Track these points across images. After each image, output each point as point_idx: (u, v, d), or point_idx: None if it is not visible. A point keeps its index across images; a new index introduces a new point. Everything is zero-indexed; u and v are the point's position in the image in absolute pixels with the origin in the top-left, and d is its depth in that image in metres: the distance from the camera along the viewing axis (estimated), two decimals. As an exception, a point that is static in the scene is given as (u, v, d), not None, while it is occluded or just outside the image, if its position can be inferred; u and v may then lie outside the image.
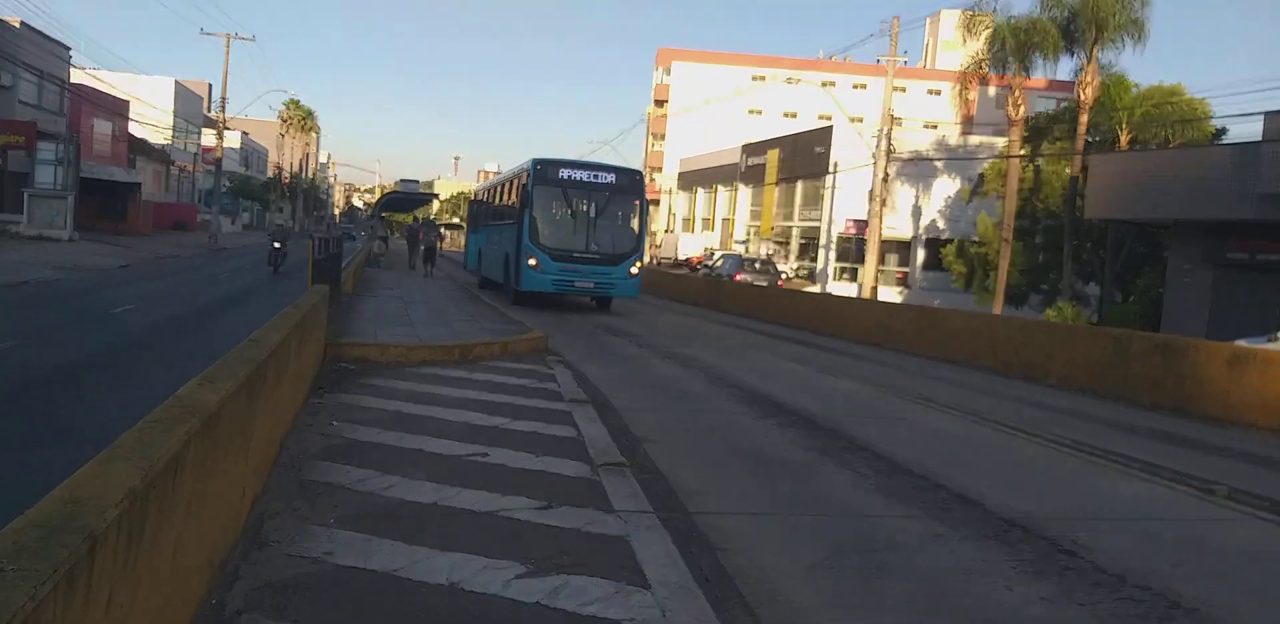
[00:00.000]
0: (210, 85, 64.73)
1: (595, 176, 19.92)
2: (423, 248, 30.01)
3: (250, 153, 75.91)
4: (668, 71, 73.22)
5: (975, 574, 4.86)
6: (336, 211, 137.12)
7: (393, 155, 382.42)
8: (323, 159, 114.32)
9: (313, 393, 8.20)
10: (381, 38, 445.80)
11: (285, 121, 79.96)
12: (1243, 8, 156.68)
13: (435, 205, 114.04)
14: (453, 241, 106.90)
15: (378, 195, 76.66)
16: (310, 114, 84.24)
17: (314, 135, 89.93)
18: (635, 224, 20.38)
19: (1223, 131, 30.98)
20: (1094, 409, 11.62)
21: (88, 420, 7.47)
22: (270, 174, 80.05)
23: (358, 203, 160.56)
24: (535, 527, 4.92)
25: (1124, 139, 31.48)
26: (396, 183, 67.01)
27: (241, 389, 4.37)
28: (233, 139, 61.53)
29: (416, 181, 47.38)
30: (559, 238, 19.42)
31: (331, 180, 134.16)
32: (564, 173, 19.67)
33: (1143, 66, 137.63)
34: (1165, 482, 7.39)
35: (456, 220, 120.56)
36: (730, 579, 4.47)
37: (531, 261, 18.95)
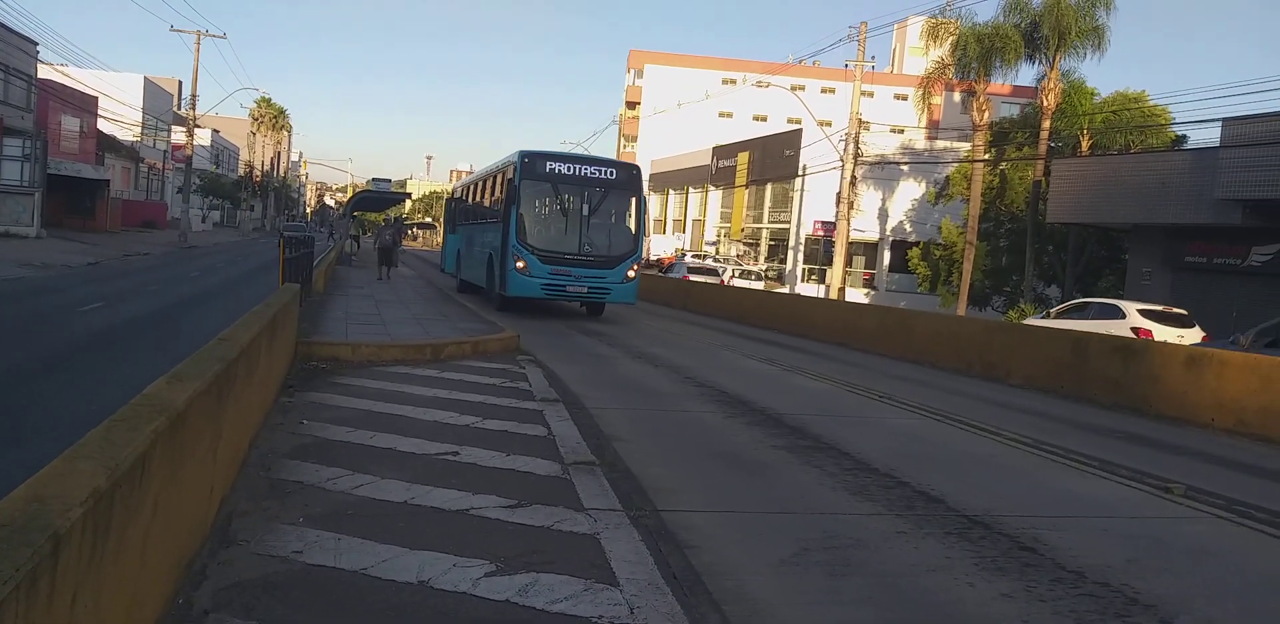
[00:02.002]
0: (180, 82, 64.10)
1: (589, 171, 18.18)
2: (377, 248, 27.45)
3: (221, 151, 75.18)
4: (639, 74, 73.39)
5: (938, 571, 4.96)
6: (308, 210, 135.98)
7: (365, 154, 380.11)
8: (294, 158, 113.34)
9: (283, 391, 8.18)
10: (355, 37, 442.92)
11: (257, 120, 79.31)
12: (1202, 18, 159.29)
13: (407, 205, 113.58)
14: (426, 241, 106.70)
15: (350, 194, 76.08)
16: (282, 112, 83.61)
17: (286, 134, 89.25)
18: (632, 223, 18.67)
19: (1182, 138, 31.55)
20: (1055, 408, 11.81)
21: (53, 419, 7.41)
22: (241, 172, 79.27)
23: (329, 202, 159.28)
24: (505, 525, 4.96)
25: (1085, 144, 32.01)
26: (368, 182, 66.59)
27: (210, 388, 4.37)
28: (203, 137, 60.93)
29: (389, 181, 47.14)
30: (549, 238, 17.85)
31: (303, 179, 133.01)
32: (554, 166, 17.96)
33: (1104, 73, 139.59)
34: (1123, 480, 7.55)
35: (428, 220, 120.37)
36: (698, 576, 4.54)
37: (519, 264, 17.27)
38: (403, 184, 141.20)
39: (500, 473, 6.05)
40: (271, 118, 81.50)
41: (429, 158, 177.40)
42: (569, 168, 18.07)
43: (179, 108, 59.94)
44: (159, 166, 61.03)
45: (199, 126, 48.77)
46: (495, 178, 20.50)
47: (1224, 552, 5.83)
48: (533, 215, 18.14)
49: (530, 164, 17.78)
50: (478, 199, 22.97)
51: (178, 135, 54.91)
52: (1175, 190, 21.50)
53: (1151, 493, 7.18)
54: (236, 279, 24.66)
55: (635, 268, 18.39)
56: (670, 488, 6.19)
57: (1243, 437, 10.36)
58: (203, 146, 62.39)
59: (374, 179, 47.14)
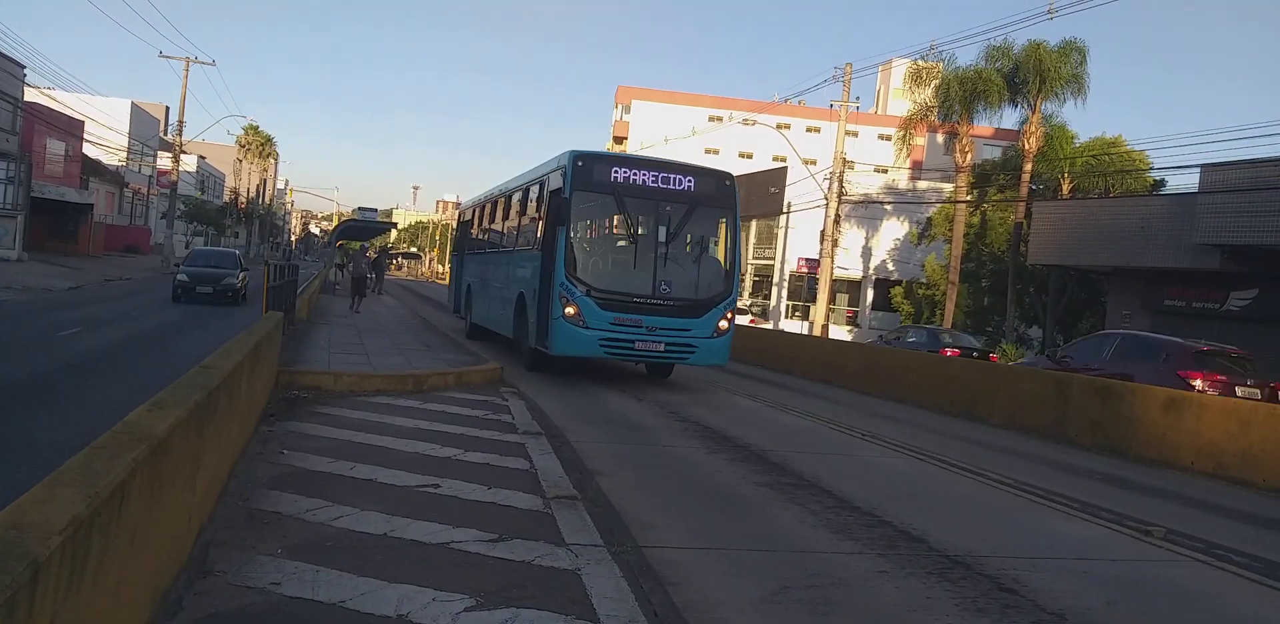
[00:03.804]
0: (168, 108, 64.10)
1: (666, 180, 13.33)
2: (351, 277, 25.55)
3: (206, 177, 75.13)
4: (627, 109, 74.06)
5: (919, 611, 4.94)
6: (293, 238, 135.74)
7: (351, 183, 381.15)
8: (280, 185, 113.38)
9: (264, 420, 8.12)
10: (344, 68, 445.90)
11: (243, 147, 79.29)
12: (1182, 65, 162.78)
13: (393, 234, 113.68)
14: (410, 271, 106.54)
15: (335, 223, 76.10)
16: (269, 140, 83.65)
17: (272, 161, 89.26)
18: (725, 253, 13.82)
19: (1161, 182, 32.08)
20: (1036, 449, 11.85)
21: (30, 445, 7.31)
22: (226, 199, 79.17)
23: (315, 230, 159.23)
24: (486, 559, 4.92)
25: (1066, 187, 32.46)
26: (354, 211, 66.65)
27: (191, 416, 4.35)
28: (189, 163, 60.85)
29: (375, 210, 47.25)
30: (610, 274, 13.22)
31: (289, 207, 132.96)
32: (619, 173, 13.12)
33: (1084, 118, 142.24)
34: (1104, 522, 7.56)
35: (413, 249, 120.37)
36: (679, 613, 4.50)
37: (568, 310, 12.55)
38: (388, 213, 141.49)
39: (481, 506, 6.01)
40: (259, 145, 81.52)
41: (415, 188, 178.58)
42: (639, 175, 13.21)
43: (165, 133, 59.91)
44: (144, 192, 60.86)
45: (185, 152, 48.77)
46: (530, 191, 15.52)
47: (1203, 595, 5.83)
48: (588, 242, 13.86)
49: (586, 169, 13.03)
50: (502, 220, 18.13)
51: (163, 161, 54.90)
52: (1154, 234, 21.81)
53: (1132, 535, 7.19)
54: (219, 306, 24.49)
55: (729, 316, 13.40)
56: (652, 523, 6.16)
57: (1221, 480, 10.42)
58: (188, 172, 62.32)
59: (359, 208, 47.26)
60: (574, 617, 4.22)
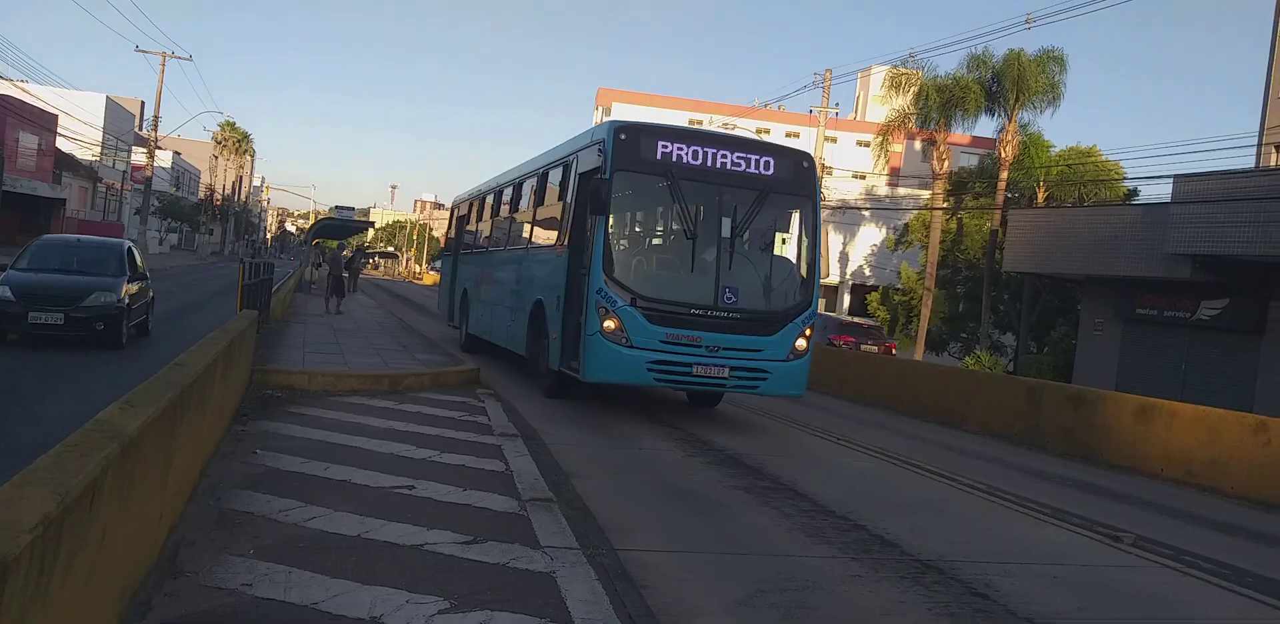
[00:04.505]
0: (144, 103, 63.57)
1: (732, 160, 10.55)
2: (329, 277, 23.77)
3: (182, 173, 74.45)
4: (608, 112, 74.03)
5: (892, 615, 4.97)
6: (269, 236, 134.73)
7: (329, 181, 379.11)
8: (257, 183, 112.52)
9: (237, 420, 8.05)
10: (323, 65, 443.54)
11: (220, 143, 78.72)
12: (1156, 77, 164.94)
13: (370, 233, 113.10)
14: (387, 271, 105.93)
15: (312, 221, 75.60)
16: (246, 137, 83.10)
17: (249, 158, 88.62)
18: (803, 253, 11.04)
19: (1134, 192, 32.46)
20: (1009, 455, 11.94)
21: (-4, 443, 7.19)
22: (202, 196, 78.49)
23: (291, 228, 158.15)
24: (460, 561, 4.90)
25: (1041, 196, 32.80)
26: (331, 209, 66.28)
27: (163, 415, 4.31)
28: (164, 159, 60.33)
29: (352, 209, 47.11)
30: (663, 278, 10.74)
31: (265, 204, 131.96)
32: (672, 150, 10.36)
33: (1061, 127, 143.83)
34: (1075, 528, 7.63)
35: (390, 249, 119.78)
36: (654, 617, 4.50)
37: (607, 324, 9.92)
38: (366, 212, 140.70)
39: (456, 508, 5.98)
40: (235, 142, 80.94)
41: (393, 187, 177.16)
42: (698, 153, 10.41)
43: (141, 128, 59.34)
44: (117, 187, 60.27)
45: (160, 148, 48.33)
46: (551, 175, 12.89)
47: (1172, 601, 5.90)
48: (633, 237, 11.76)
49: (630, 144, 10.33)
50: (510, 212, 15.23)
51: (138, 156, 54.37)
52: (1127, 243, 22.05)
53: (1102, 541, 7.26)
54: (192, 304, 24.27)
55: (808, 333, 10.65)
56: (628, 526, 6.16)
57: (1190, 487, 10.54)
58: (163, 168, 61.78)
59: (337, 207, 47.20)
60: (548, 620, 4.21)
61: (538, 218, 13.35)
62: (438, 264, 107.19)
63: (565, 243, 11.18)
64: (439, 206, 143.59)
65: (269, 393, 9.67)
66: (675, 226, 10.77)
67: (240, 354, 8.79)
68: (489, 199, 17.25)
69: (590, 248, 10.25)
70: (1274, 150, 28.67)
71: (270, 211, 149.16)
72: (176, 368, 5.56)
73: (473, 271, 17.45)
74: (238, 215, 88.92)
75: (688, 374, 10.10)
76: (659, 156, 10.30)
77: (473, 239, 18.41)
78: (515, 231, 14.76)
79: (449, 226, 22.39)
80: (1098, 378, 22.95)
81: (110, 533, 3.38)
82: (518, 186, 14.93)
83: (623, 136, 10.35)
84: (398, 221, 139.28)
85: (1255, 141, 28.50)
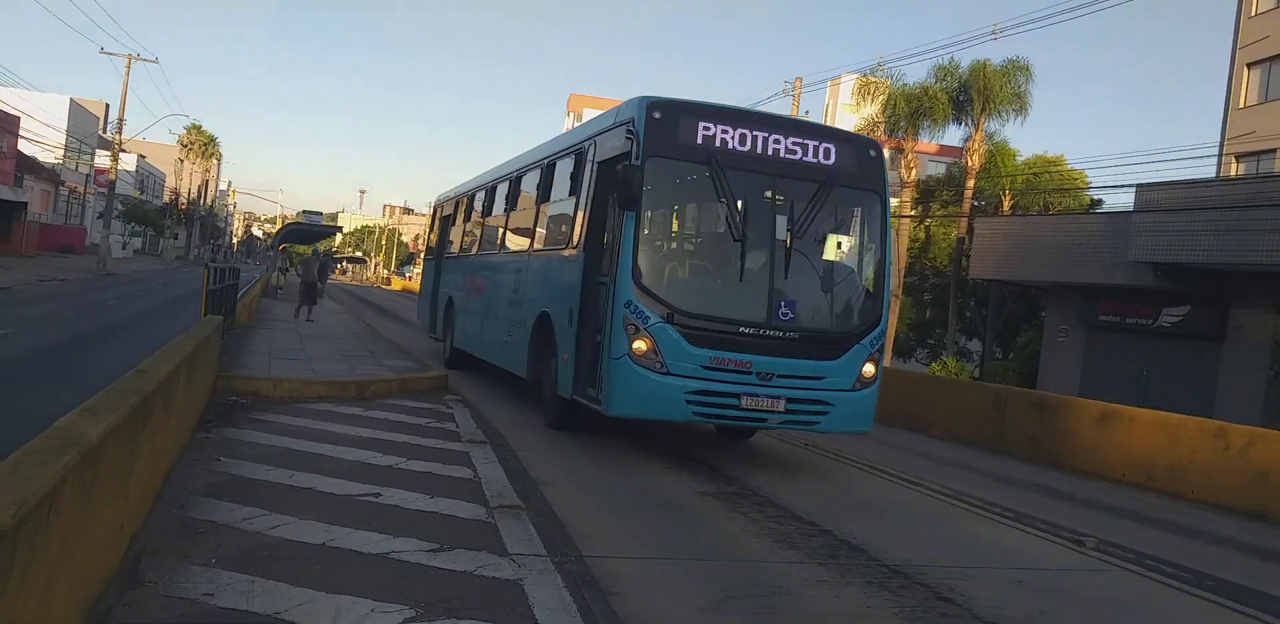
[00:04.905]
0: (108, 106, 62.80)
1: (787, 147, 8.85)
2: (301, 283, 23.08)
3: (147, 177, 73.58)
4: (579, 117, 74.14)
5: (858, 619, 5.00)
6: (235, 240, 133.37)
7: (297, 186, 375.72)
8: (223, 186, 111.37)
9: (200, 427, 7.95)
10: (291, 70, 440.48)
11: (185, 147, 77.79)
12: (1122, 89, 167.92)
13: (338, 238, 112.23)
14: (355, 276, 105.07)
15: (279, 225, 74.92)
16: (212, 140, 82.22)
17: (215, 162, 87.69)
18: (871, 259, 9.33)
19: (1098, 202, 32.94)
20: (975, 461, 12.06)
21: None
22: (167, 199, 77.55)
23: (257, 232, 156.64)
24: (427, 569, 4.86)
25: (1007, 204, 33.20)
26: (299, 214, 65.71)
27: (125, 422, 4.25)
28: (128, 162, 59.51)
29: (320, 213, 46.64)
30: (706, 290, 9.00)
31: (231, 208, 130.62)
32: (717, 133, 8.64)
33: (1027, 137, 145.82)
34: (1039, 532, 7.72)
35: (359, 254, 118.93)
36: (621, 623, 4.50)
37: (638, 345, 8.24)
38: (334, 217, 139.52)
39: (423, 516, 5.94)
40: (201, 145, 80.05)
41: (362, 191, 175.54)
42: (747, 138, 8.70)
43: (105, 131, 58.57)
44: (80, 191, 59.42)
45: (125, 151, 47.69)
46: (560, 166, 11.08)
47: (1134, 604, 5.98)
48: (666, 239, 9.60)
49: (666, 125, 8.58)
50: (507, 210, 13.44)
51: (102, 159, 53.62)
52: (1090, 251, 22.37)
53: (1065, 545, 7.35)
54: (156, 309, 23.97)
55: (876, 356, 9.00)
56: (596, 534, 6.15)
57: (1152, 492, 10.69)
58: (127, 172, 60.95)
59: (304, 211, 46.63)
60: (515, 627, 4.19)
61: (542, 216, 11.49)
62: (406, 270, 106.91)
63: (580, 245, 9.42)
64: (408, 211, 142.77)
65: (234, 399, 9.56)
66: (719, 226, 9.02)
67: (204, 360, 8.68)
68: (479, 197, 15.40)
69: (615, 251, 8.46)
70: (1234, 160, 29.25)
71: (237, 216, 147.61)
72: (139, 374, 5.48)
73: (460, 278, 15.60)
74: (203, 219, 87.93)
75: (734, 407, 8.29)
76: (699, 140, 8.55)
77: (460, 241, 16.57)
78: (513, 233, 13.01)
79: (430, 228, 20.66)
80: (1062, 384, 23.25)
81: (69, 543, 3.32)
82: (515, 181, 13.17)
83: (657, 115, 8.51)
84: (366, 226, 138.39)
85: (1216, 152, 29.07)
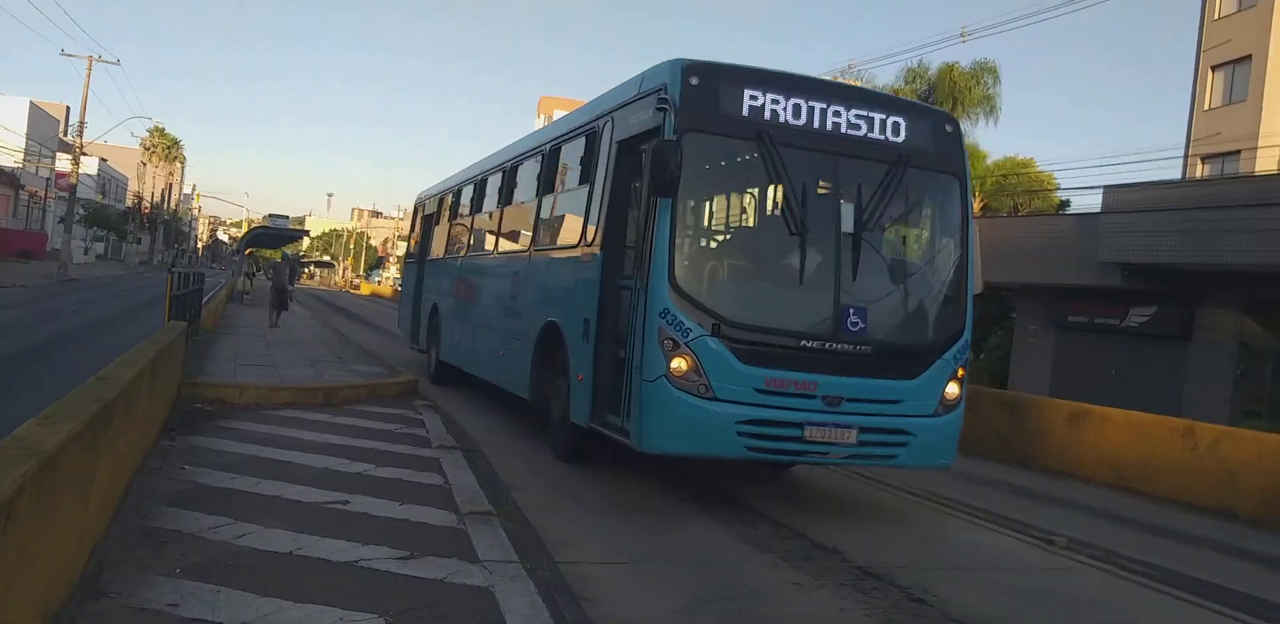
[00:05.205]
0: (69, 108, 61.78)
1: (850, 120, 7.39)
2: (272, 288, 22.58)
3: (109, 180, 72.63)
4: (549, 119, 74.03)
5: (831, 622, 4.99)
6: (200, 245, 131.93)
7: (263, 189, 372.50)
8: (187, 190, 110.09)
9: (164, 435, 7.81)
10: (258, 74, 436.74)
11: (148, 149, 76.84)
12: (1092, 92, 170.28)
13: (305, 242, 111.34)
14: (323, 280, 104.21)
15: (245, 229, 74.17)
16: (176, 143, 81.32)
17: (179, 165, 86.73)
18: (952, 257, 7.86)
19: (1066, 203, 33.35)
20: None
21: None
22: (130, 203, 76.56)
23: (223, 237, 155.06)
24: (396, 577, 4.79)
25: (977, 206, 33.51)
26: (265, 217, 65.12)
27: (85, 430, 4.16)
28: (90, 165, 58.68)
29: (286, 217, 46.24)
30: (758, 295, 7.42)
31: (196, 212, 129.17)
32: (766, 103, 7.18)
33: (998, 139, 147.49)
34: (1010, 532, 7.75)
35: (326, 258, 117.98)
36: (593, 630, 4.45)
37: (677, 364, 6.74)
38: (301, 221, 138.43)
39: (392, 523, 5.86)
40: (164, 148, 79.11)
41: (329, 195, 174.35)
42: (802, 110, 7.28)
43: (65, 134, 57.69)
44: (41, 195, 58.49)
45: (86, 155, 46.98)
46: (568, 149, 9.66)
47: (1105, 602, 6.02)
48: (708, 233, 8.37)
49: (705, 92, 7.14)
50: (501, 204, 11.89)
51: (63, 163, 52.79)
52: (1059, 252, 22.61)
53: (1037, 545, 7.39)
54: (119, 315, 23.61)
55: (960, 373, 7.53)
56: (569, 539, 6.10)
57: (1121, 490, 10.79)
58: (89, 175, 60.12)
59: (271, 215, 46.20)
60: (487, 635, 4.14)
61: (546, 211, 10.08)
62: (375, 274, 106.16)
63: (596, 243, 7.99)
64: (377, 215, 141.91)
65: (198, 407, 9.41)
66: (772, 217, 7.66)
67: (168, 367, 8.54)
68: (468, 192, 13.84)
69: (644, 249, 6.98)
70: (1200, 162, 29.69)
71: (202, 220, 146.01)
72: (99, 381, 5.38)
73: (446, 283, 14.07)
74: (167, 224, 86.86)
75: (796, 440, 6.82)
76: (745, 112, 7.09)
77: (446, 242, 14.91)
78: (510, 231, 11.52)
79: (412, 227, 18.63)
80: (1033, 384, 23.48)
81: (28, 552, 3.24)
82: (510, 172, 11.60)
83: (694, 80, 7.03)
84: (334, 230, 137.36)
85: (1182, 153, 29.52)
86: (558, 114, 72.68)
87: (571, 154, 9.46)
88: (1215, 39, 30.29)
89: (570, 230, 9.04)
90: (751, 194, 8.53)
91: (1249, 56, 28.82)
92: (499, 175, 12.15)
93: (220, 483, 6.41)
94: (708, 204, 8.40)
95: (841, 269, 7.11)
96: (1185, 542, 8.41)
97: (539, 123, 76.08)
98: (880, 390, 7.10)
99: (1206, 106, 30.48)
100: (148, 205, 77.90)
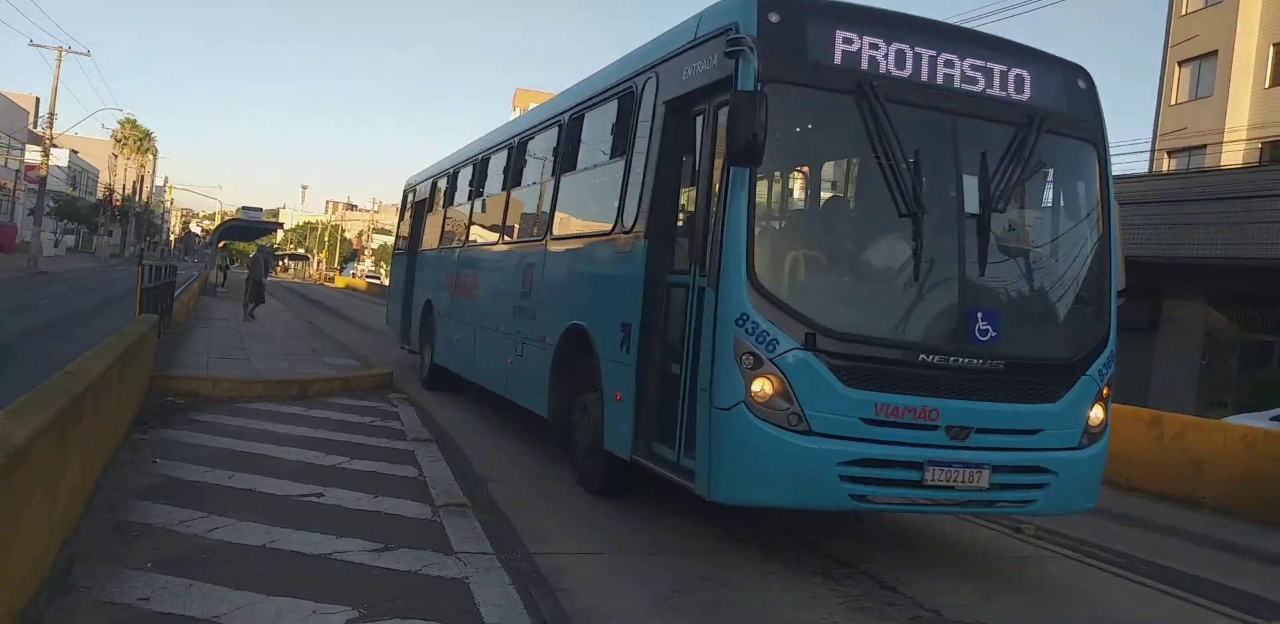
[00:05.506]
0: (38, 99, 60.85)
1: (965, 71, 5.86)
2: (249, 281, 22.40)
3: (79, 172, 71.72)
4: (525, 112, 73.77)
5: (805, 609, 5.05)
6: (172, 237, 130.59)
7: (237, 182, 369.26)
8: (160, 182, 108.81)
9: (135, 428, 7.75)
10: (231, 66, 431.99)
11: (120, 141, 75.85)
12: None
13: (279, 235, 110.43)
14: (297, 273, 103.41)
15: (218, 222, 73.47)
16: (148, 135, 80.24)
17: (151, 157, 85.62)
18: (1091, 242, 6.34)
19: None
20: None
21: None
22: (100, 196, 75.63)
23: (196, 229, 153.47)
24: (370, 570, 4.79)
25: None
26: (238, 210, 64.57)
27: (54, 424, 4.13)
28: (60, 157, 57.91)
29: (260, 209, 45.88)
30: (863, 294, 5.86)
31: (168, 205, 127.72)
32: (863, 47, 5.63)
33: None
34: (979, 521, 7.84)
35: (301, 250, 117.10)
36: (568, 620, 4.48)
37: (759, 387, 5.23)
38: (275, 213, 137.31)
39: (367, 515, 5.86)
40: (136, 140, 78.10)
41: (304, 187, 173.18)
42: (906, 57, 5.76)
43: (35, 126, 56.83)
44: (10, 187, 57.62)
45: (56, 146, 46.34)
46: (597, 113, 8.17)
47: (1073, 589, 6.11)
48: (791, 214, 7.06)
49: (789, 30, 5.57)
50: (513, 182, 10.32)
51: (32, 155, 52.03)
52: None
53: (1005, 533, 7.48)
54: (90, 308, 23.33)
55: (1105, 394, 6.14)
56: (544, 530, 6.12)
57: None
58: (59, 167, 59.30)
59: (244, 207, 45.82)
60: (461, 626, 4.15)
61: (569, 191, 8.52)
62: (349, 267, 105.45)
63: (637, 228, 6.56)
64: (352, 207, 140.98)
65: (170, 400, 9.34)
66: (877, 194, 5.73)
67: (139, 360, 8.48)
68: (467, 173, 12.38)
69: (712, 236, 5.55)
70: (1166, 156, 30.02)
71: (174, 212, 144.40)
72: (68, 375, 5.34)
73: (442, 277, 12.64)
74: (139, 216, 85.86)
75: (914, 484, 5.42)
76: (840, 59, 5.62)
77: (442, 231, 13.47)
78: (521, 216, 10.00)
79: (401, 216, 17.03)
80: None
81: (-6, 548, 3.22)
82: (519, 149, 10.11)
83: (774, 17, 5.54)
84: (309, 223, 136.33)
85: (1149, 147, 29.83)
86: (532, 106, 72.44)
87: (600, 122, 7.98)
88: (1181, 35, 30.61)
89: (601, 214, 7.59)
90: (850, 164, 6.81)
91: (1215, 52, 29.16)
92: (504, 153, 10.62)
93: (192, 476, 6.37)
94: (794, 177, 6.90)
95: (965, 261, 5.64)
96: (1153, 530, 8.54)
97: (514, 115, 75.76)
98: (1016, 417, 5.67)
99: (1173, 101, 30.82)
100: (119, 198, 76.99)
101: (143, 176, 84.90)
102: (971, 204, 5.75)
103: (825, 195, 7.10)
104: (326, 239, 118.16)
